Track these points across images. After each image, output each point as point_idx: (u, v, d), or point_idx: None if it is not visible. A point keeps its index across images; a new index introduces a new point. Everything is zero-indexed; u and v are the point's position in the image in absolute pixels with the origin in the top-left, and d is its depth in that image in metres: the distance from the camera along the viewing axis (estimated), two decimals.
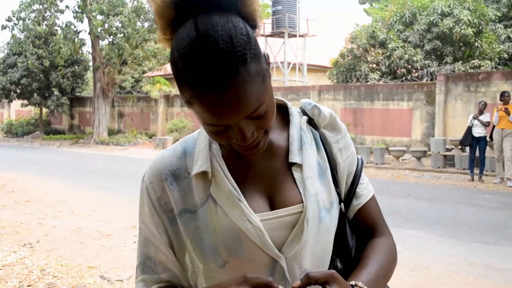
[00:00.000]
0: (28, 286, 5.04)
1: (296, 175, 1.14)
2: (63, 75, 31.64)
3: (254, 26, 1.00)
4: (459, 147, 15.05)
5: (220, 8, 0.95)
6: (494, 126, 12.12)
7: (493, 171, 13.17)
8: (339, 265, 1.20)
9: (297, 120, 1.20)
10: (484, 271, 5.52)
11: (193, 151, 1.16)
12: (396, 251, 1.25)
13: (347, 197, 1.23)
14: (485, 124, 12.30)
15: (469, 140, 12.61)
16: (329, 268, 1.18)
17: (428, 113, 18.49)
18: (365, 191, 1.26)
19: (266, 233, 1.07)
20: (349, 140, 1.26)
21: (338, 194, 1.19)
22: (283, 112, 1.22)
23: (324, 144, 1.21)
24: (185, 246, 1.13)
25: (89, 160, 19.27)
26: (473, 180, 12.70)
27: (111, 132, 29.83)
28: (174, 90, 29.81)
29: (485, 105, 12.58)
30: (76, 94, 35.17)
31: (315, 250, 1.12)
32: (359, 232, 1.25)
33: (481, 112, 12.44)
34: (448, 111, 17.77)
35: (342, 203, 1.20)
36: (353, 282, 1.06)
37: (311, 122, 1.22)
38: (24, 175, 13.89)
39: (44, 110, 34.95)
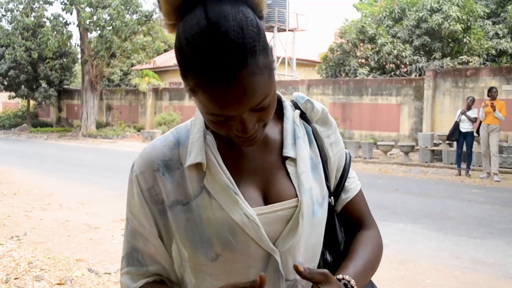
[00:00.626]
0: (15, 278, 5.01)
1: (290, 169, 1.13)
2: (51, 67, 31.44)
3: (261, 16, 0.98)
4: (447, 142, 15.16)
5: None
6: (481, 122, 12.22)
7: (480, 166, 13.28)
8: (328, 258, 1.20)
9: (290, 114, 1.19)
10: (471, 264, 5.57)
11: (186, 141, 1.13)
12: (382, 243, 1.26)
13: (336, 191, 1.24)
14: (472, 120, 12.40)
15: (456, 135, 12.71)
16: (320, 261, 1.19)
17: (416, 108, 18.59)
18: (353, 185, 1.27)
19: (262, 227, 1.06)
20: (338, 135, 1.27)
21: (328, 188, 1.20)
22: (278, 105, 1.20)
23: (316, 139, 1.20)
24: (173, 239, 1.12)
25: (77, 153, 19.18)
26: (460, 174, 12.80)
27: (99, 125, 29.71)
28: (163, 84, 29.73)
29: (473, 100, 12.67)
30: (64, 86, 34.97)
31: (308, 244, 1.12)
32: (347, 225, 1.26)
33: (469, 108, 12.52)
34: (436, 107, 17.88)
35: (331, 197, 1.21)
36: (340, 276, 1.07)
37: (303, 116, 1.21)
38: (10, 168, 13.79)
39: (32, 102, 34.78)
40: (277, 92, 1.15)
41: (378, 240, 1.25)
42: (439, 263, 5.63)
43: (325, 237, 1.19)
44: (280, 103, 1.20)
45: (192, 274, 1.11)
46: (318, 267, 1.18)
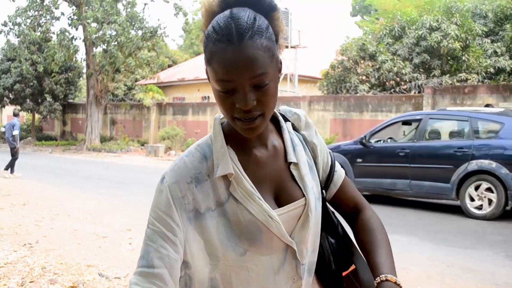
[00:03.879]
0: (30, 282, 5.31)
1: (295, 173, 1.35)
2: (56, 81, 31.88)
3: (277, 35, 1.24)
4: None
5: (255, 10, 1.20)
6: None
7: None
8: (332, 240, 1.44)
9: (285, 125, 1.41)
10: (461, 272, 5.87)
11: (211, 155, 1.30)
12: (380, 219, 1.47)
13: (326, 183, 1.48)
14: None
15: None
16: (325, 244, 1.42)
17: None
18: (337, 175, 1.50)
19: (282, 225, 1.27)
20: (320, 136, 1.49)
21: (320, 183, 1.43)
22: (274, 119, 1.42)
23: (307, 144, 1.44)
24: (192, 243, 1.26)
25: (82, 166, 19.52)
26: None
27: (103, 139, 30.04)
28: (167, 99, 30.11)
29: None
30: (69, 100, 35.39)
31: (313, 232, 1.35)
32: (344, 209, 1.49)
33: None
34: None
35: (323, 190, 1.45)
36: (383, 277, 1.28)
37: (293, 126, 1.44)
38: (19, 180, 14.15)
39: (37, 116, 35.15)
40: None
41: (378, 218, 1.47)
42: (430, 271, 5.93)
43: (323, 223, 1.41)
44: (276, 119, 1.42)
45: (224, 270, 1.28)
46: (323, 249, 1.41)
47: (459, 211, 9.51)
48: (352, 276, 1.41)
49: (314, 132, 1.47)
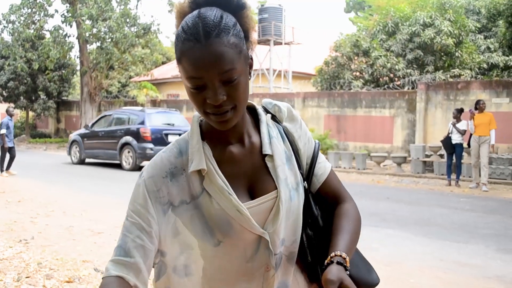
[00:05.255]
0: (26, 277, 5.34)
1: (269, 164, 1.38)
2: (50, 78, 31.78)
3: (246, 33, 1.28)
4: (438, 153, 15.58)
5: (225, 9, 1.25)
6: (471, 134, 12.63)
7: (469, 177, 13.67)
8: (309, 232, 1.44)
9: (263, 118, 1.43)
10: (453, 266, 5.94)
11: (187, 151, 1.36)
12: (359, 213, 1.48)
13: (308, 175, 1.48)
14: (461, 132, 12.81)
15: (450, 148, 13.08)
16: (302, 235, 1.42)
17: (409, 120, 19.00)
18: (323, 169, 1.50)
19: (252, 218, 1.30)
20: (304, 128, 1.51)
21: (302, 174, 1.45)
22: (254, 114, 1.45)
23: (287, 135, 1.45)
24: (172, 234, 1.32)
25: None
26: (450, 184, 13.20)
27: None
28: (161, 95, 30.10)
29: (461, 111, 13.09)
30: (63, 98, 35.28)
31: (288, 223, 1.37)
32: (326, 203, 1.48)
33: (458, 120, 12.94)
34: (428, 119, 18.29)
35: (305, 181, 1.45)
36: (333, 254, 1.29)
37: (274, 118, 1.47)
38: (12, 177, 14.15)
39: (31, 113, 35.06)
40: (251, 101, 1.43)
41: (356, 210, 1.47)
42: (423, 264, 6.00)
43: (304, 215, 1.42)
44: (255, 111, 1.46)
45: (200, 258, 1.33)
46: (301, 241, 1.42)
47: (452, 206, 9.58)
48: None
49: (299, 125, 1.50)
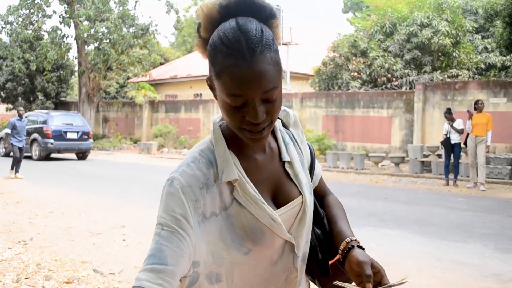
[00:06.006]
0: (25, 278, 5.36)
1: (290, 171, 1.41)
2: (48, 79, 31.78)
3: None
4: (436, 153, 15.62)
5: (256, 18, 1.22)
6: (468, 134, 12.67)
7: (467, 177, 13.70)
8: (318, 231, 1.50)
9: (277, 124, 1.45)
10: (450, 265, 5.97)
11: (215, 161, 1.33)
12: (340, 201, 1.61)
13: (311, 176, 1.54)
14: (459, 131, 12.85)
15: (450, 149, 13.11)
16: (312, 235, 1.48)
17: (407, 120, 19.04)
18: (318, 169, 1.60)
19: (283, 225, 1.34)
20: (302, 132, 1.57)
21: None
22: None
23: (295, 140, 1.49)
24: (202, 244, 1.29)
25: (74, 164, 19.55)
26: (448, 184, 13.22)
27: (95, 137, 29.95)
28: (159, 96, 30.10)
29: (449, 111, 13.16)
30: (61, 98, 35.28)
31: (308, 225, 1.43)
32: (318, 196, 1.59)
33: (453, 120, 12.98)
34: (426, 119, 18.33)
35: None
36: (348, 239, 1.38)
37: (282, 123, 1.49)
38: (11, 178, 14.15)
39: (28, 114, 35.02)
40: None
41: (337, 198, 1.60)
42: (421, 264, 6.02)
43: (313, 215, 1.49)
44: None
45: (230, 265, 1.33)
46: (312, 239, 1.48)
47: (450, 206, 9.60)
48: (338, 264, 1.47)
49: (301, 130, 1.55)
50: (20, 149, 14.51)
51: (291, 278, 1.41)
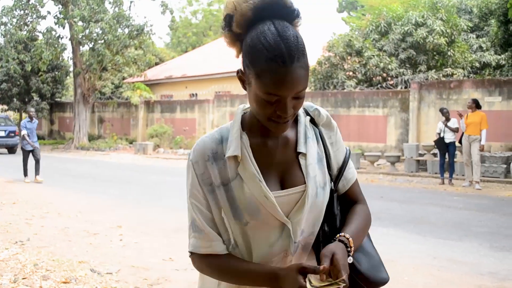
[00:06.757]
0: (23, 278, 5.36)
1: (302, 161, 1.53)
2: (43, 80, 31.71)
3: None
4: (432, 152, 15.66)
5: (285, 19, 1.39)
6: (463, 132, 12.72)
7: (463, 175, 13.75)
8: (326, 228, 1.58)
9: (303, 119, 1.58)
10: (447, 264, 6.00)
11: (227, 138, 1.52)
12: (369, 213, 1.69)
13: (337, 178, 1.64)
14: (454, 130, 12.89)
15: (444, 148, 13.15)
16: (319, 232, 1.57)
17: (402, 119, 19.08)
18: (352, 174, 1.68)
19: (278, 205, 1.45)
20: (339, 136, 1.67)
21: (330, 176, 1.60)
22: None
23: (322, 139, 1.60)
24: (220, 210, 1.51)
25: (70, 164, 19.51)
26: (443, 183, 13.27)
27: (91, 138, 29.96)
28: (154, 96, 30.07)
29: (447, 111, 13.19)
30: (56, 99, 35.23)
31: (310, 216, 1.52)
32: (346, 204, 1.67)
33: (448, 119, 13.02)
34: (422, 118, 18.37)
35: (332, 183, 1.61)
36: (338, 235, 1.49)
37: (312, 120, 1.62)
38: (7, 179, 14.13)
39: (24, 115, 34.92)
40: None
41: (367, 211, 1.67)
42: (417, 262, 6.05)
43: (325, 212, 1.58)
44: None
45: (235, 234, 1.52)
46: (317, 236, 1.57)
47: (446, 205, 9.63)
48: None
49: (334, 132, 1.66)
50: (32, 151, 13.81)
51: (285, 261, 1.52)
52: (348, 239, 1.47)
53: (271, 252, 1.50)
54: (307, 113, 1.62)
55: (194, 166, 1.52)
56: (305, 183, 1.50)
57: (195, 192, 1.52)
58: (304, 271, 1.36)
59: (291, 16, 1.40)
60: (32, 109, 14.61)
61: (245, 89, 1.45)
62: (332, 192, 1.59)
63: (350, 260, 1.45)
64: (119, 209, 9.59)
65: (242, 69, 1.43)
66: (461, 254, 6.39)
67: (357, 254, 1.55)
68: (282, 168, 1.52)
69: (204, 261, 1.55)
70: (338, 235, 1.49)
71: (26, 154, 13.90)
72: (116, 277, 5.48)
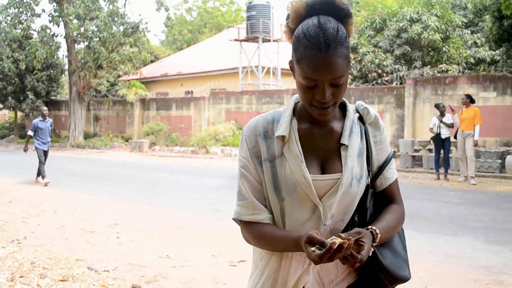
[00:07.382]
0: (20, 277, 5.36)
1: (343, 152, 1.65)
2: (38, 78, 31.62)
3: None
4: (427, 148, 15.70)
5: (334, 17, 1.52)
6: (458, 128, 12.75)
7: (458, 171, 13.79)
8: (356, 219, 1.68)
9: (351, 115, 1.70)
10: (442, 258, 6.04)
11: (279, 120, 1.68)
12: (404, 214, 1.78)
13: (376, 175, 1.74)
14: (449, 125, 12.93)
15: (441, 144, 13.19)
16: (349, 222, 1.67)
17: (398, 115, 19.12)
18: (391, 174, 1.78)
19: (313, 186, 1.59)
20: (385, 137, 1.77)
21: (369, 171, 1.70)
22: (343, 108, 1.73)
23: (366, 136, 1.72)
24: (263, 182, 1.67)
25: (66, 162, 19.48)
26: (439, 178, 13.31)
27: (86, 136, 29.93)
28: (150, 94, 30.03)
29: (443, 106, 13.21)
30: (51, 97, 35.12)
31: (342, 203, 1.63)
32: (383, 201, 1.76)
33: (443, 114, 13.05)
34: (417, 114, 18.41)
35: (369, 178, 1.70)
36: (369, 227, 1.59)
37: (360, 118, 1.73)
38: (2, 178, 14.10)
39: (19, 113, 34.89)
40: (344, 99, 1.71)
41: (402, 212, 1.77)
42: (413, 257, 5.96)
43: (358, 204, 1.68)
44: (344, 106, 1.73)
45: (273, 206, 1.67)
46: (347, 225, 1.66)
47: (441, 200, 9.67)
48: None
49: (380, 132, 1.77)
50: (45, 152, 13.48)
51: None
52: (376, 232, 1.58)
53: (302, 231, 1.59)
54: (357, 111, 1.73)
55: (247, 140, 1.70)
56: (341, 171, 1.62)
57: (246, 163, 1.69)
58: (311, 241, 1.45)
59: (340, 14, 1.52)
60: (45, 108, 14.02)
61: (294, 77, 1.59)
62: (367, 186, 1.69)
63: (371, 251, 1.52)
64: (115, 207, 9.59)
65: (291, 59, 1.58)
66: (456, 249, 6.43)
67: (383, 250, 1.67)
68: (324, 155, 1.66)
69: (247, 229, 1.69)
70: (369, 226, 1.59)
71: (40, 153, 13.32)
72: (113, 274, 5.49)
